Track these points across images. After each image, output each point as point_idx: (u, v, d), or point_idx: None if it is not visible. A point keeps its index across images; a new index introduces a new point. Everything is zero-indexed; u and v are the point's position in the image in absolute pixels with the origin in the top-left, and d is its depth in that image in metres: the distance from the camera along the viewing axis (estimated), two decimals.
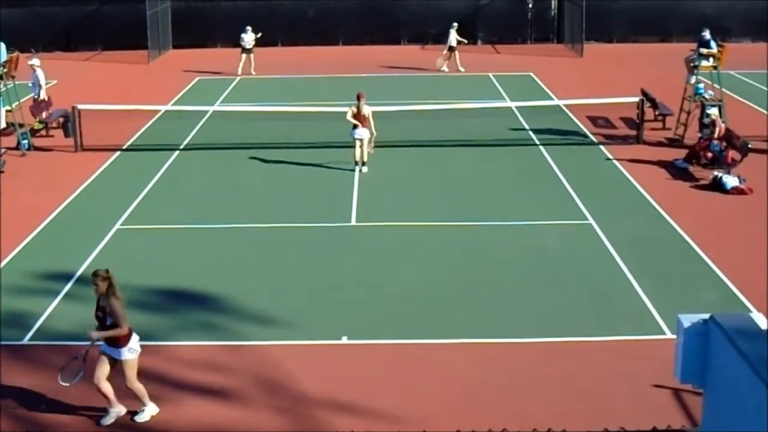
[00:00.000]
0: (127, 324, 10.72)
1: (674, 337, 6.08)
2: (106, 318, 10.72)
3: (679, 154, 22.13)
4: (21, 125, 23.87)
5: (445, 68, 35.38)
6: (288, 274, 15.59)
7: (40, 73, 26.42)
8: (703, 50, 24.35)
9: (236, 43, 35.91)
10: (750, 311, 12.97)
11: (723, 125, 21.75)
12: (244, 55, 35.04)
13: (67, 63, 37.18)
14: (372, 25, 42.18)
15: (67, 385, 10.97)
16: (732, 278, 15.09)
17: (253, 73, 34.89)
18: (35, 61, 26.53)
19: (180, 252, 16.78)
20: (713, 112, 22.45)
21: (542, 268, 15.72)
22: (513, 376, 12.13)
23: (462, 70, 35.16)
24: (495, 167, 21.91)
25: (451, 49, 35.47)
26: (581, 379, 12.01)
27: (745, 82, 31.63)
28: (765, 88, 30.19)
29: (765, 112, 26.70)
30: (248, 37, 35.15)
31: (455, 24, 35.91)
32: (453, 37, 35.37)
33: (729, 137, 21.26)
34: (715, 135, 21.29)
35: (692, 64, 24.53)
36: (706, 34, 25.34)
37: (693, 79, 24.37)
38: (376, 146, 21.72)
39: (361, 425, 10.74)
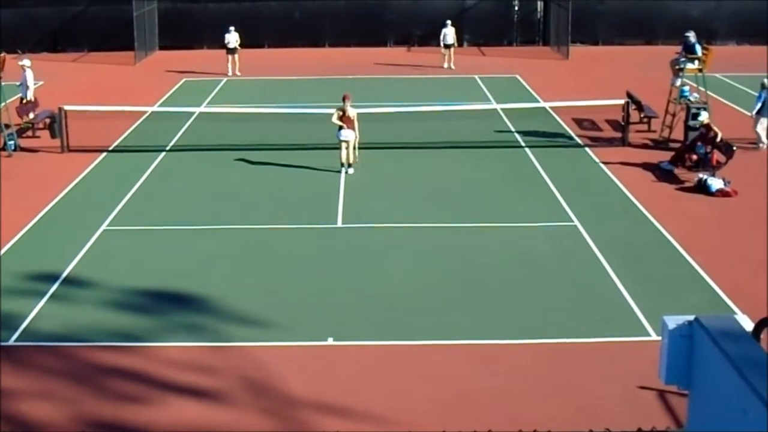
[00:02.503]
0: None
1: (659, 338, 6.12)
2: None
3: (665, 156, 22.22)
4: (7, 126, 23.79)
5: (451, 65, 35.98)
6: (274, 276, 15.60)
7: (29, 73, 26.32)
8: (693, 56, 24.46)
9: (223, 44, 35.81)
10: (735, 313, 13.07)
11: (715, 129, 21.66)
12: (229, 56, 35.06)
13: (53, 64, 37.03)
14: (358, 27, 42.12)
15: None
16: (717, 280, 15.16)
17: (238, 74, 34.87)
18: (26, 62, 26.45)
19: (166, 253, 16.76)
20: (703, 117, 22.40)
21: (528, 269, 15.78)
22: (501, 377, 12.17)
23: (453, 67, 35.69)
24: (481, 169, 21.95)
25: (446, 46, 36.03)
26: (568, 381, 12.06)
27: (730, 84, 31.77)
28: (751, 91, 30.24)
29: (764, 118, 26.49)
30: (232, 37, 35.13)
31: (448, 22, 36.26)
32: (450, 34, 35.97)
33: (714, 139, 21.34)
34: (719, 137, 21.13)
35: (677, 67, 24.66)
36: (691, 37, 25.45)
37: (678, 82, 24.49)
38: (360, 147, 21.73)
39: (349, 426, 10.76)
